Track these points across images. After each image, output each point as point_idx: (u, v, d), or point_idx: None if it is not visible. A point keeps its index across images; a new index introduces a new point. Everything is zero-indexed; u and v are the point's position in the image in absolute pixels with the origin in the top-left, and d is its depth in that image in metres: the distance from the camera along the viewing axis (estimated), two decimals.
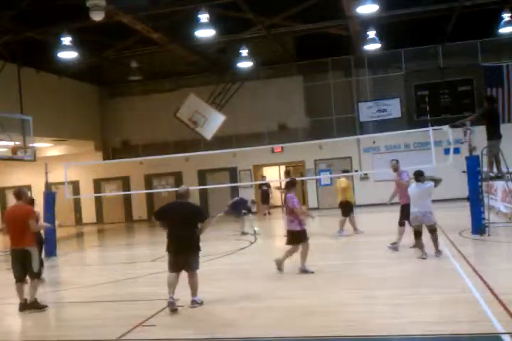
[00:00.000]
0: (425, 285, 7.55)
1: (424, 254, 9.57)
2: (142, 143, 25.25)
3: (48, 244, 13.94)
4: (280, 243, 13.55)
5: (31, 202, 11.07)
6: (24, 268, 7.59)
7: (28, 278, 7.65)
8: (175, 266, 7.17)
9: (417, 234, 9.71)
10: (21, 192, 7.97)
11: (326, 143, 22.00)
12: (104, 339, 6.08)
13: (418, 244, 9.76)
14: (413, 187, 9.87)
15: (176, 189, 8.49)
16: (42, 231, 9.90)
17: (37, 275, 7.75)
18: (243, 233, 15.63)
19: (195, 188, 23.13)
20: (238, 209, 15.91)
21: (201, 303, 7.21)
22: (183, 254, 7.16)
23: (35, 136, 17.27)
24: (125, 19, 16.75)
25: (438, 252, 9.69)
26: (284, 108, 24.13)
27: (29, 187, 26.38)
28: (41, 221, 8.21)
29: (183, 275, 7.20)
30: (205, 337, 5.94)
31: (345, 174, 15.09)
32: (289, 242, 9.16)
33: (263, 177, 16.58)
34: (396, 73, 23.42)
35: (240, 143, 22.84)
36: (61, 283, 10.55)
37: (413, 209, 9.73)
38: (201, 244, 7.28)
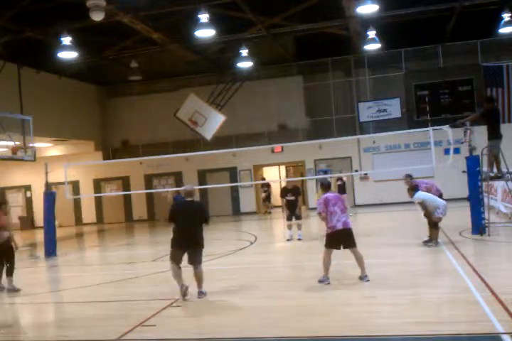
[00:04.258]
0: (425, 285, 7.54)
1: (435, 243, 10.75)
2: (142, 143, 25.28)
3: (48, 243, 13.97)
4: (284, 245, 13.57)
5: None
6: None
7: None
8: (178, 259, 7.53)
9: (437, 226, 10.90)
10: None
11: (326, 143, 22.02)
12: (104, 339, 6.08)
13: (437, 234, 10.89)
14: (425, 194, 10.82)
15: (176, 189, 8.66)
16: None
17: None
18: None
19: (195, 188, 23.11)
20: None
21: (205, 294, 7.57)
22: (191, 249, 7.55)
23: (35, 136, 17.24)
24: (125, 19, 16.77)
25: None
26: (284, 108, 24.13)
27: (29, 187, 26.51)
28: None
29: (185, 276, 7.18)
30: (204, 337, 5.93)
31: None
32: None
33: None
34: (396, 73, 23.40)
35: (240, 143, 22.86)
36: (61, 283, 10.56)
37: (444, 202, 10.75)
38: None
